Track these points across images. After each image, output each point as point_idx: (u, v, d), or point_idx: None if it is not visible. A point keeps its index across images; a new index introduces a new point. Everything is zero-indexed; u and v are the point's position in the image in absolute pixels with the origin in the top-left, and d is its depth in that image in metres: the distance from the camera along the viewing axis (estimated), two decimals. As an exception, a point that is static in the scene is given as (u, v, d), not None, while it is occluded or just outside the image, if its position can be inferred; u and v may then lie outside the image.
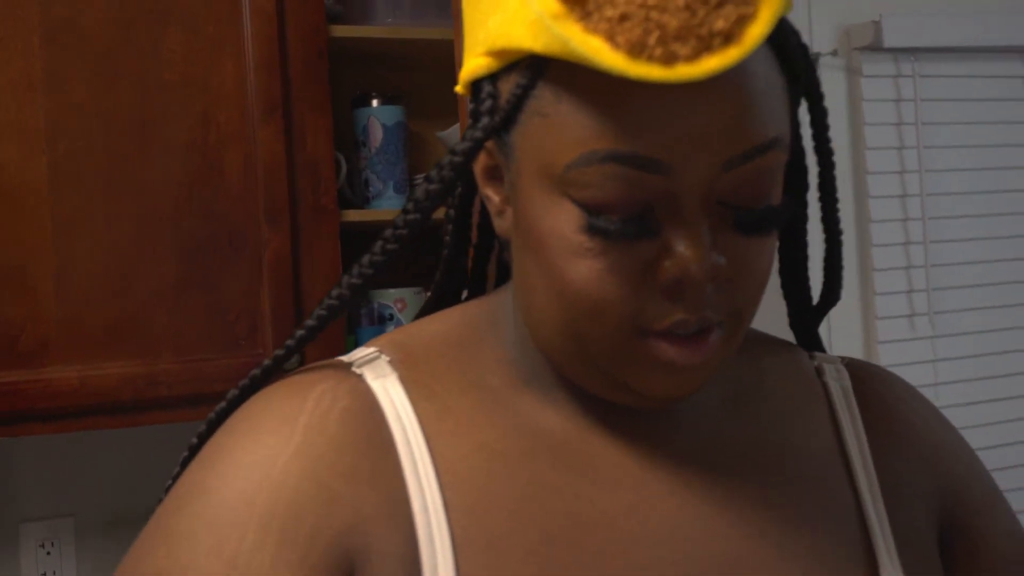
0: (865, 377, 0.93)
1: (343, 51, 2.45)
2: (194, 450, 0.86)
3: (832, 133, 2.96)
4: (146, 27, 2.09)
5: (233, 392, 0.85)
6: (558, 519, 0.78)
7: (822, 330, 2.93)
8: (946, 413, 3.02)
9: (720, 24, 0.69)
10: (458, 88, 0.83)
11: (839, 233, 0.87)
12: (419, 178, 2.47)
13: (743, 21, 0.69)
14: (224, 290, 2.12)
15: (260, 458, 0.77)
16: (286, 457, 0.77)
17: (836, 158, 2.96)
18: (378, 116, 2.37)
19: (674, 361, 0.75)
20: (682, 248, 0.73)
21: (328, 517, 0.75)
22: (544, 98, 0.74)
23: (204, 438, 0.86)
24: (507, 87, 0.76)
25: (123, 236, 2.06)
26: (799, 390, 0.89)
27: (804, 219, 0.88)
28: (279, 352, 0.83)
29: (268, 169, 2.14)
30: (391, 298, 2.38)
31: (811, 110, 0.83)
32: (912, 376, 2.98)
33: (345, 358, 0.84)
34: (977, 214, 3.07)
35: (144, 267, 2.07)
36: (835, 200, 0.86)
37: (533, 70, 0.74)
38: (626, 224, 0.73)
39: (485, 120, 0.77)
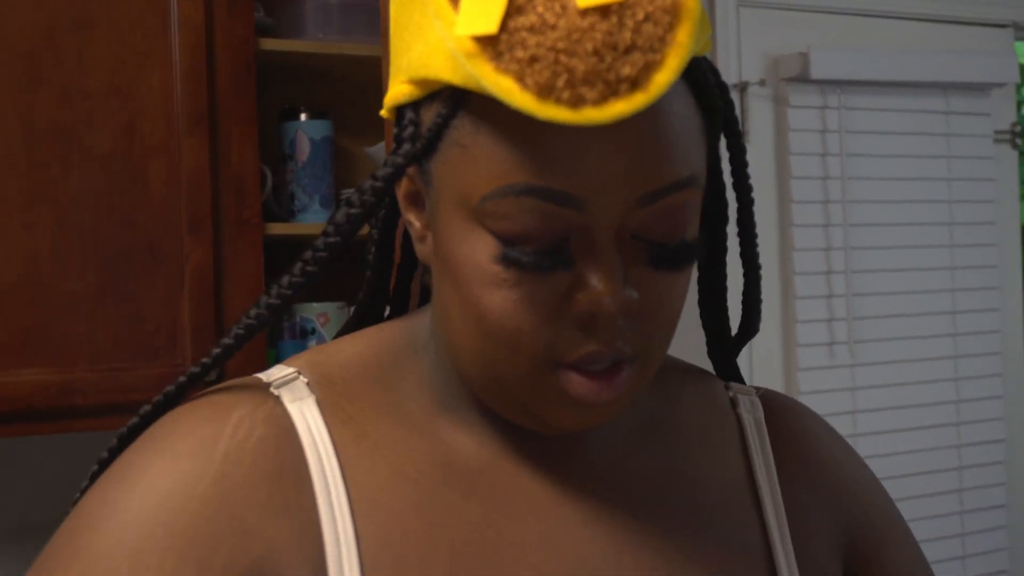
0: (778, 409, 0.94)
1: (272, 64, 2.45)
2: (104, 464, 0.85)
3: (758, 162, 3.00)
4: (71, 34, 2.08)
5: (146, 408, 0.84)
6: (468, 549, 0.79)
7: (743, 356, 2.96)
8: (864, 441, 3.06)
9: (627, 70, 0.70)
10: (383, 112, 0.83)
11: (758, 267, 0.88)
12: (346, 192, 2.47)
13: (650, 68, 0.70)
14: (144, 300, 2.10)
15: (178, 484, 0.76)
16: (204, 486, 0.76)
17: (762, 187, 2.99)
18: (306, 130, 2.37)
19: (584, 397, 0.76)
20: (595, 281, 0.74)
21: (241, 549, 0.75)
22: (463, 129, 0.75)
23: (115, 453, 0.85)
24: (428, 116, 0.77)
25: (41, 244, 2.04)
26: (712, 421, 0.91)
27: (724, 251, 0.90)
28: (195, 369, 0.83)
29: (192, 180, 2.13)
30: (314, 312, 2.38)
31: (729, 147, 0.84)
32: (831, 404, 3.01)
33: (263, 376, 0.84)
34: (898, 245, 3.11)
35: (62, 276, 2.06)
36: (754, 235, 0.87)
37: (454, 100, 0.75)
38: (540, 256, 0.74)
39: (407, 147, 0.78)
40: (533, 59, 0.70)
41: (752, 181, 3.00)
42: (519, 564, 0.79)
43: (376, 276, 0.90)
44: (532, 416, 0.80)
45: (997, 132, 3.32)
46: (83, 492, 0.86)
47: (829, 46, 2.98)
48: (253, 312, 0.82)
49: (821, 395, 3.01)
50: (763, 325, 3.00)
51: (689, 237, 0.77)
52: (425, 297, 0.96)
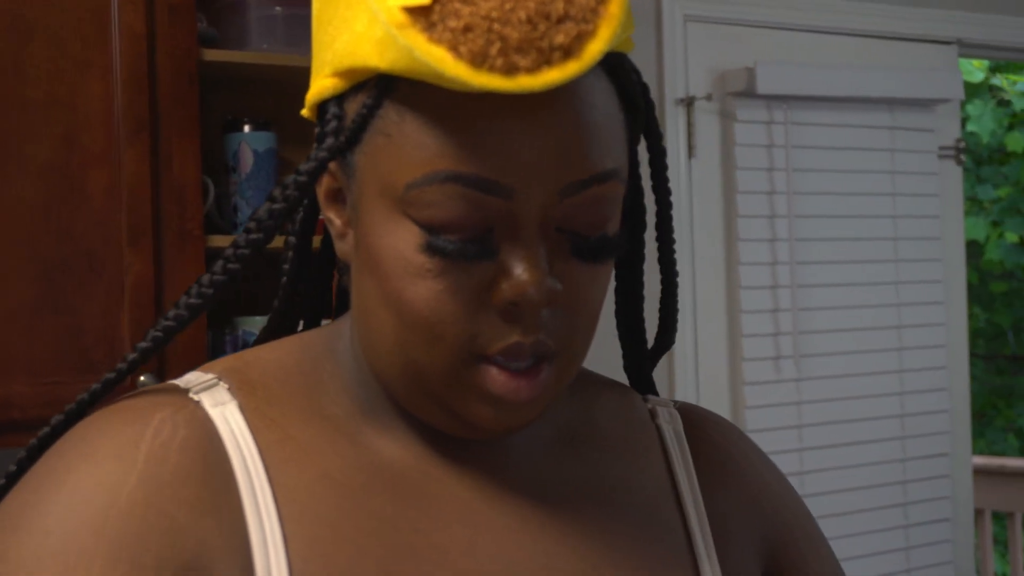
0: (697, 420, 0.94)
1: (215, 75, 2.43)
2: (12, 477, 0.83)
3: (705, 176, 3.00)
4: (8, 42, 2.05)
5: (58, 417, 0.82)
6: (396, 553, 0.78)
7: (688, 371, 2.96)
8: (809, 455, 3.06)
9: (560, 39, 0.71)
10: (304, 112, 0.83)
11: (675, 275, 0.89)
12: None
13: (582, 37, 0.72)
14: (82, 313, 2.08)
15: (102, 484, 0.74)
16: (130, 486, 0.74)
17: (708, 201, 3.00)
18: (249, 142, 2.35)
19: (504, 395, 0.76)
20: (519, 271, 0.74)
21: (172, 548, 0.74)
22: (388, 118, 0.75)
23: (25, 465, 0.83)
24: (353, 107, 0.77)
25: (-22, 254, 2.01)
26: (632, 431, 0.91)
27: (641, 259, 0.90)
28: (110, 375, 0.81)
29: (132, 191, 2.11)
30: (256, 326, 2.36)
31: (650, 149, 0.85)
32: (777, 418, 3.02)
33: (180, 382, 0.82)
34: (843, 260, 3.12)
35: (-1, 287, 2.03)
36: (671, 241, 0.88)
37: (379, 89, 0.75)
38: (465, 244, 0.74)
39: (330, 140, 0.77)
40: (467, 28, 0.70)
41: (697, 195, 3.01)
42: (445, 570, 0.79)
43: (292, 281, 0.89)
44: (451, 416, 0.79)
45: (941, 148, 3.34)
46: (8, 482, 0.83)
47: (775, 61, 2.99)
48: (172, 313, 0.80)
49: (767, 409, 3.01)
50: (710, 339, 3.01)
51: (612, 231, 0.78)
52: (342, 306, 0.95)
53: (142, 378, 2.06)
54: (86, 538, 0.73)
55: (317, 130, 0.80)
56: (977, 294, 7.61)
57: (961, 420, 3.37)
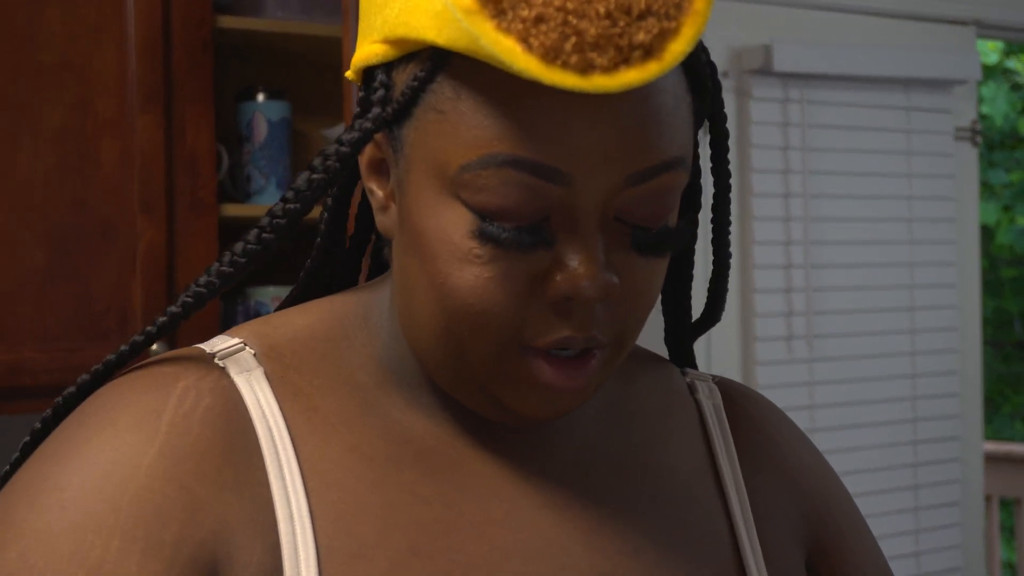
0: (735, 396, 0.91)
1: (230, 43, 2.41)
2: (37, 436, 0.80)
3: (719, 154, 2.98)
4: (22, 6, 2.03)
5: (84, 377, 0.79)
6: (426, 528, 0.75)
7: (701, 349, 2.94)
8: (821, 436, 3.05)
9: (641, 36, 0.66)
10: (348, 73, 0.79)
11: (728, 256, 0.85)
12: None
13: (665, 36, 0.67)
14: (94, 281, 2.06)
15: (122, 457, 0.72)
16: (150, 458, 0.72)
17: (722, 179, 2.98)
18: (263, 111, 2.33)
19: (552, 384, 0.73)
20: (576, 263, 0.70)
21: (192, 525, 0.71)
22: (443, 93, 0.71)
23: (50, 425, 0.80)
24: (402, 78, 0.73)
25: (-10, 220, 2.00)
26: (672, 407, 0.88)
27: (694, 238, 0.87)
28: (138, 338, 0.78)
29: (146, 160, 2.09)
30: (268, 296, 2.34)
31: (712, 131, 0.81)
32: (788, 398, 3.00)
33: (206, 347, 0.79)
34: (858, 241, 3.11)
35: (11, 254, 2.01)
36: (728, 224, 0.84)
37: (433, 63, 0.71)
38: (520, 233, 0.70)
39: (376, 111, 0.73)
40: (539, 19, 0.66)
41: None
42: (481, 544, 0.76)
43: (327, 247, 0.86)
44: (492, 403, 0.76)
45: (958, 129, 3.32)
46: (14, 466, 0.81)
47: (793, 39, 2.97)
48: (203, 280, 0.77)
49: (779, 389, 3.00)
50: (722, 318, 2.99)
51: (672, 222, 0.74)
52: (375, 271, 0.92)
53: (154, 347, 2.05)
54: (104, 514, 0.70)
55: (361, 94, 0.76)
56: (986, 280, 7.59)
57: (972, 404, 3.36)
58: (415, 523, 0.75)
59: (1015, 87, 6.97)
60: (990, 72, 6.84)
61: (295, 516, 0.74)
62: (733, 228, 2.97)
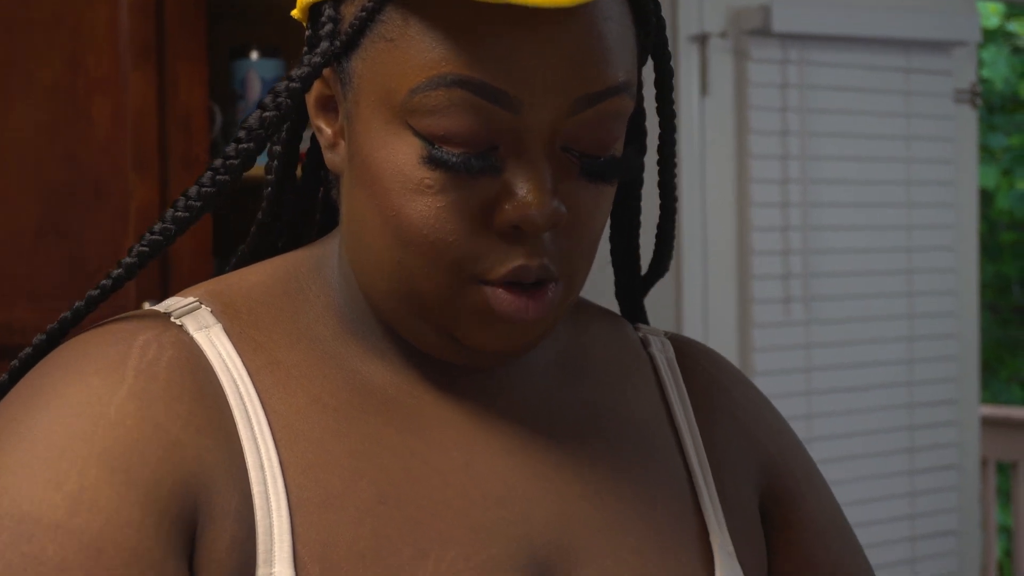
0: (688, 350, 0.92)
1: (223, 0, 2.39)
2: (12, 375, 0.79)
3: (718, 116, 2.97)
4: (14, -39, 2.01)
5: (40, 337, 0.78)
6: (392, 477, 0.75)
7: (696, 311, 2.94)
8: (816, 399, 3.05)
9: None
10: (295, 12, 0.79)
11: (674, 200, 0.86)
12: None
13: None
14: (86, 239, 2.05)
15: (91, 397, 0.71)
16: (120, 398, 0.71)
17: (721, 141, 2.96)
18: (257, 69, 2.32)
19: (510, 314, 0.73)
20: (524, 191, 0.71)
21: (169, 463, 0.70)
22: (391, 22, 0.71)
23: (6, 387, 0.79)
24: (351, 10, 0.73)
25: (-19, 177, 1.99)
26: (626, 358, 0.88)
27: (639, 183, 0.87)
28: (93, 292, 0.77)
29: (138, 117, 2.08)
30: (262, 257, 2.34)
31: (657, 69, 0.81)
32: (785, 360, 3.00)
33: (160, 307, 0.78)
34: (856, 203, 3.09)
35: (1, 212, 2.00)
36: (673, 164, 0.84)
37: None
38: (469, 158, 0.70)
39: (324, 45, 0.73)
40: None
41: (710, 134, 2.98)
42: (445, 491, 0.76)
43: (276, 196, 0.85)
44: (448, 344, 0.76)
45: (957, 91, 3.30)
46: None
47: (791, 0, 2.95)
48: (158, 227, 0.76)
49: (775, 351, 2.99)
50: (719, 281, 2.98)
51: (617, 152, 0.74)
52: (330, 225, 0.91)
53: (146, 304, 2.04)
54: (78, 446, 0.69)
55: (308, 33, 0.76)
56: (985, 244, 7.59)
57: (969, 368, 3.35)
58: (381, 472, 0.75)
59: (1016, 50, 6.95)
60: (991, 36, 6.81)
61: (266, 466, 0.73)
62: (731, 190, 2.96)
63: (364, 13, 0.71)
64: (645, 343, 0.91)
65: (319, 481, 0.74)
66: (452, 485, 0.77)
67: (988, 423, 4.54)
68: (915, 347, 3.20)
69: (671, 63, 0.81)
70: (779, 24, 2.91)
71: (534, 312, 0.74)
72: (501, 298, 0.73)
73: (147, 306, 2.04)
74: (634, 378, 0.87)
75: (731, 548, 0.84)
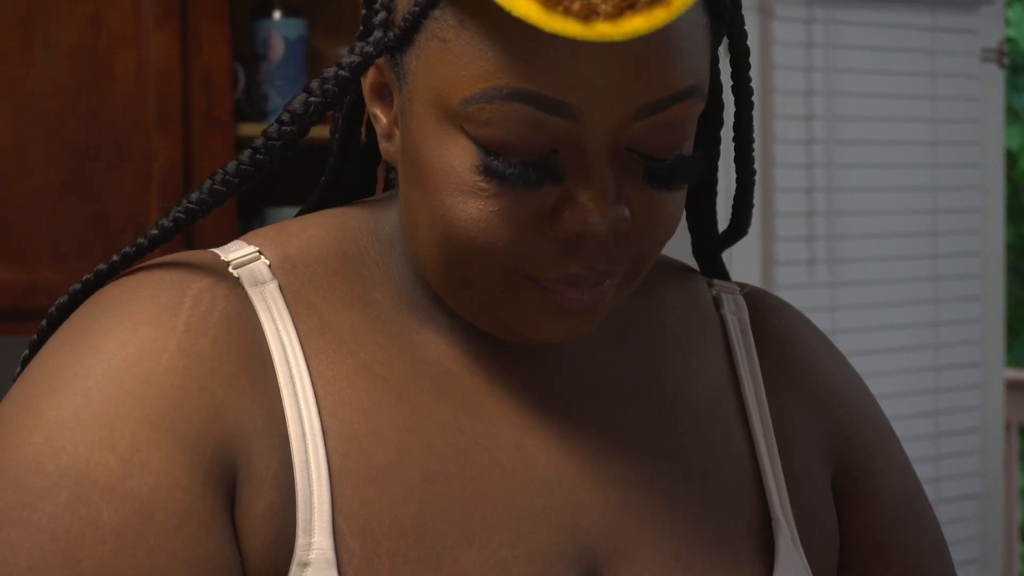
0: (763, 309, 0.89)
1: (245, -40, 2.37)
2: (35, 347, 0.79)
3: (742, 75, 2.95)
4: (35, -82, 2.00)
5: (76, 287, 0.77)
6: (440, 455, 0.74)
7: (722, 272, 2.93)
8: (840, 360, 3.04)
9: None
10: None
11: (752, 174, 0.83)
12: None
13: None
14: (110, 199, 2.04)
15: (141, 352, 0.70)
16: (169, 355, 0.70)
17: (744, 100, 2.95)
18: (279, 29, 2.30)
19: (563, 305, 0.71)
20: (585, 200, 0.68)
21: (212, 423, 0.70)
22: (446, 21, 0.68)
23: (46, 333, 0.78)
24: (405, 2, 0.71)
25: (1, 138, 1.98)
26: (694, 322, 0.85)
27: (717, 154, 0.84)
28: (129, 249, 0.76)
29: (161, 76, 2.07)
30: (286, 217, 2.33)
31: (732, 50, 0.78)
32: (809, 322, 2.99)
33: (222, 253, 0.77)
34: (880, 164, 3.07)
35: (24, 171, 1.99)
36: (751, 142, 0.82)
37: None
38: (526, 169, 0.68)
39: (378, 34, 0.71)
40: None
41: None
42: (494, 472, 0.74)
43: (337, 167, 0.83)
44: (502, 326, 0.74)
45: (984, 50, 3.27)
46: (24, 363, 0.80)
47: (817, -43, 2.92)
48: (195, 197, 0.75)
49: (799, 313, 2.98)
50: (743, 242, 2.97)
51: (687, 151, 0.71)
52: (390, 183, 0.89)
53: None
54: (129, 406, 0.69)
55: (363, 12, 0.74)
56: (1008, 206, 7.54)
57: (994, 330, 3.33)
58: (429, 448, 0.74)
59: (1041, 11, 6.88)
60: (1016, -5, 6.74)
61: (307, 433, 0.72)
62: (756, 149, 2.94)
63: (417, 8, 0.69)
64: (717, 303, 0.87)
65: (364, 452, 0.73)
66: (501, 467, 0.75)
67: (1011, 386, 4.52)
68: (940, 309, 3.18)
69: (746, 40, 0.78)
70: (805, -18, 2.88)
71: (591, 301, 0.72)
72: (556, 290, 0.71)
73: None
74: (701, 344, 0.84)
75: (794, 533, 0.81)
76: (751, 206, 0.84)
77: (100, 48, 2.03)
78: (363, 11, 0.74)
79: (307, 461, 0.72)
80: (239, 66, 2.31)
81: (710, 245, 0.89)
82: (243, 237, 0.80)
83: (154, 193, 2.07)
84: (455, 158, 0.69)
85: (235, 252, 0.77)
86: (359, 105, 0.83)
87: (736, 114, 0.81)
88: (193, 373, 0.71)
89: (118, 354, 0.70)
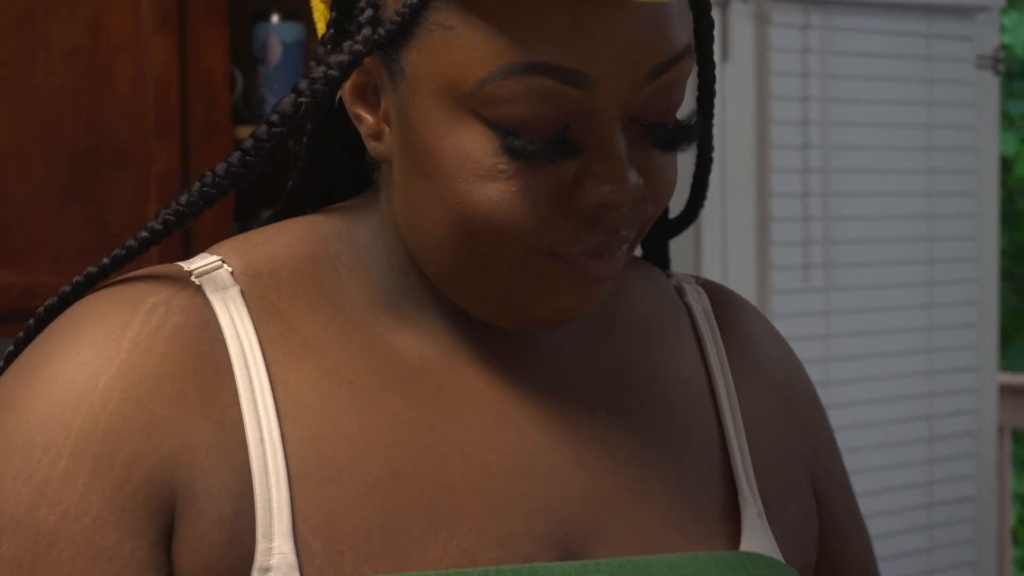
0: (723, 300, 0.90)
1: (244, -36, 2.38)
2: (9, 358, 0.80)
3: (739, 81, 2.95)
4: (35, -77, 2.01)
5: (52, 300, 0.78)
6: (407, 451, 0.74)
7: (715, 276, 2.93)
8: (836, 366, 3.04)
9: None
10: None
11: (711, 148, 0.84)
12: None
13: None
14: (108, 203, 2.05)
15: (79, 376, 0.71)
16: (108, 376, 0.71)
17: (742, 106, 2.95)
18: (277, 33, 2.31)
19: (588, 275, 0.72)
20: (604, 170, 0.69)
21: (148, 445, 0.70)
22: (448, 9, 0.68)
23: (20, 347, 0.79)
24: None
25: (1, 142, 1.98)
26: (664, 311, 0.86)
27: (711, 120, 0.85)
28: (119, 252, 0.76)
29: (160, 81, 2.07)
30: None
31: (697, 21, 0.80)
32: (804, 327, 2.99)
33: (185, 264, 0.77)
34: (876, 169, 3.08)
35: (23, 175, 2.00)
36: (711, 115, 0.83)
37: None
38: (548, 145, 0.68)
39: (367, 32, 0.71)
40: None
41: (731, 100, 2.96)
42: (463, 465, 0.75)
43: (309, 168, 0.83)
44: (510, 311, 0.75)
45: (979, 57, 3.28)
46: (16, 348, 0.80)
47: (814, -37, 2.93)
48: (184, 199, 0.75)
49: (795, 318, 2.99)
50: (738, 247, 2.98)
51: (681, 115, 0.74)
52: (357, 190, 0.88)
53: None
54: (55, 434, 0.70)
55: (333, 15, 0.73)
56: (1003, 212, 7.55)
57: (988, 335, 3.35)
58: (395, 446, 0.74)
59: (1037, 16, 6.89)
60: (1013, 1, 6.76)
61: (265, 439, 0.72)
62: (751, 156, 2.95)
63: (416, 1, 0.69)
64: (681, 292, 0.89)
65: (324, 455, 0.73)
66: (471, 459, 0.75)
67: (1005, 391, 4.53)
68: (934, 314, 3.19)
69: (711, 11, 0.80)
70: (801, -11, 2.89)
71: (613, 269, 0.73)
72: (579, 262, 0.72)
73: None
74: (671, 332, 0.85)
75: (760, 508, 0.82)
76: (707, 184, 0.85)
77: (99, 53, 2.04)
78: (331, 13, 0.74)
79: (265, 467, 0.72)
80: (236, 69, 2.32)
81: (661, 230, 0.90)
82: (208, 249, 0.80)
83: (153, 197, 2.08)
84: (469, 144, 0.69)
85: (198, 262, 0.77)
86: (329, 110, 0.82)
87: (699, 85, 0.82)
88: (131, 395, 0.71)
89: (55, 380, 0.71)
